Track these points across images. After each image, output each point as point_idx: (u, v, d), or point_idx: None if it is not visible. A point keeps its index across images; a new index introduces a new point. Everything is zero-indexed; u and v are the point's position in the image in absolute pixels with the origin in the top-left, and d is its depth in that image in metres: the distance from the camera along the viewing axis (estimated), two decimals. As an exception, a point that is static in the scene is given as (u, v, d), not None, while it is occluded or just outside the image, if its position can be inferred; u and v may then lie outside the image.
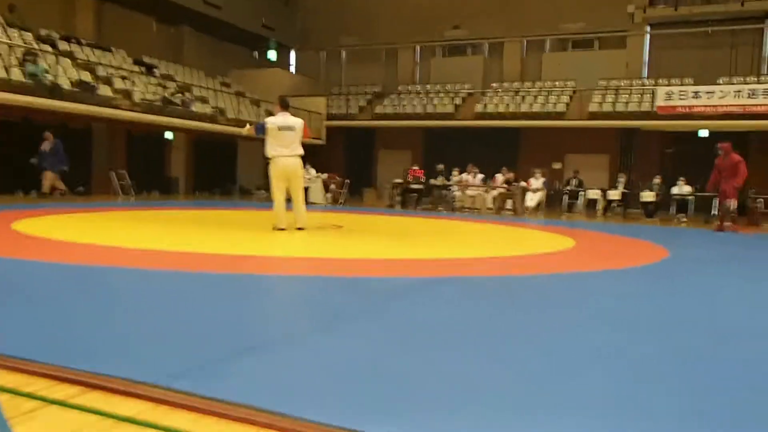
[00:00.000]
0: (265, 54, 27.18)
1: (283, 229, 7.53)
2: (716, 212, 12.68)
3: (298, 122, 7.64)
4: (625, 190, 15.63)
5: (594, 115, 19.81)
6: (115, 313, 3.03)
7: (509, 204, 15.59)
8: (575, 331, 2.96)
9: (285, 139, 7.45)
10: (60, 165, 13.57)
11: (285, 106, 7.70)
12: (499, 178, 15.97)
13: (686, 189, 15.13)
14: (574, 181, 16.57)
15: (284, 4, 26.56)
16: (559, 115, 20.36)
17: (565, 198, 16.29)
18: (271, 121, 7.59)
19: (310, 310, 3.41)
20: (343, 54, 27.10)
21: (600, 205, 15.89)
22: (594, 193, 16.06)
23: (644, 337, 2.86)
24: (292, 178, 7.59)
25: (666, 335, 2.93)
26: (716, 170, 11.15)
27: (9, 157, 14.42)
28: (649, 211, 15.00)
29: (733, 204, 11.13)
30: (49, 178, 13.51)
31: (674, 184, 15.33)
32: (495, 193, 15.62)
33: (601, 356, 2.51)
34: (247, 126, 8.13)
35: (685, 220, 14.54)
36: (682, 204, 14.97)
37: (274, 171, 7.58)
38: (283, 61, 27.20)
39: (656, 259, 6.26)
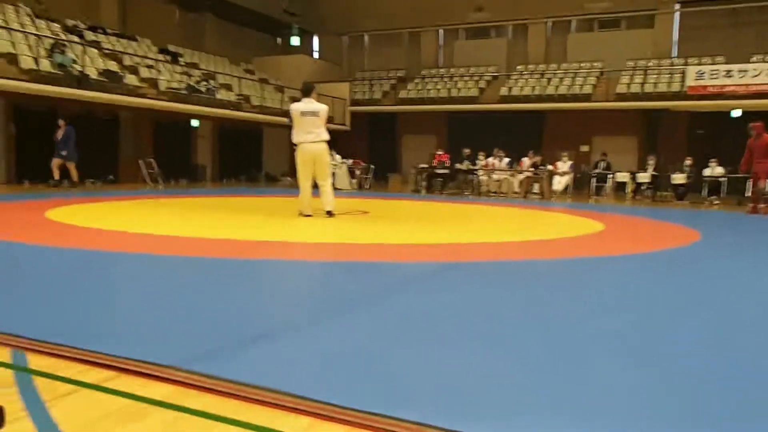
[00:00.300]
0: (288, 40, 27.16)
1: (309, 216, 7.56)
2: (749, 194, 12.39)
3: (321, 108, 7.61)
4: (655, 173, 15.36)
5: (622, 97, 19.45)
6: (145, 299, 3.08)
7: (536, 188, 15.44)
8: (595, 316, 2.93)
9: (308, 124, 7.46)
10: (60, 152, 12.93)
11: (306, 92, 7.67)
12: (526, 161, 15.82)
13: (718, 170, 14.81)
14: (602, 164, 16.33)
15: (306, -11, 26.48)
16: (586, 97, 20.03)
17: (593, 181, 16.07)
18: (294, 107, 7.62)
19: (327, 295, 3.42)
20: (366, 38, 26.98)
21: (629, 188, 15.65)
22: (623, 176, 15.81)
23: (666, 324, 2.82)
24: (318, 164, 7.60)
25: (685, 322, 2.89)
26: (748, 150, 10.94)
27: (38, 146, 14.71)
28: (680, 193, 14.72)
29: (767, 186, 10.88)
30: (56, 165, 13.11)
31: (706, 166, 15.01)
32: (521, 177, 15.49)
33: (615, 341, 2.49)
34: None
35: (717, 202, 14.25)
36: (714, 186, 14.67)
37: (299, 157, 7.60)
38: (306, 47, 27.18)
39: (687, 242, 6.15)
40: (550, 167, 15.55)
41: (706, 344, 2.45)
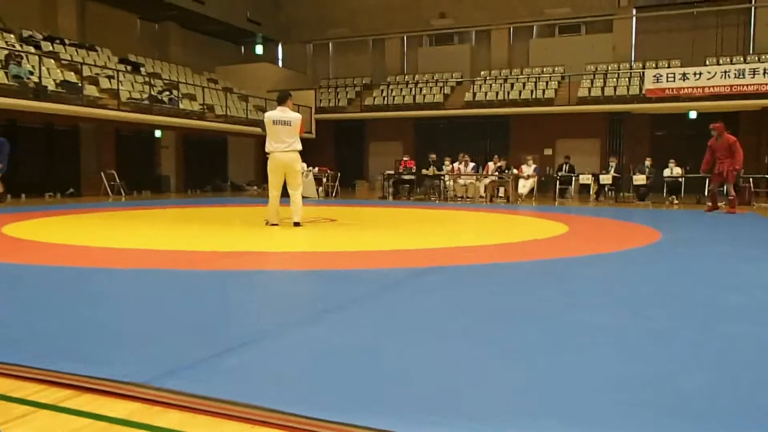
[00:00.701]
0: (252, 49, 27.01)
1: (275, 225, 7.50)
2: (707, 193, 12.71)
3: (295, 117, 7.51)
4: (617, 174, 15.66)
5: (583, 100, 19.84)
6: (104, 314, 2.99)
7: (502, 192, 15.59)
8: (560, 314, 2.95)
9: (281, 133, 7.37)
10: None
11: (281, 101, 7.58)
12: (491, 166, 15.96)
13: (677, 171, 15.18)
14: (565, 167, 16.59)
15: (269, -3, 26.39)
16: (549, 101, 20.36)
17: (558, 184, 16.30)
18: (267, 116, 7.53)
19: (300, 304, 3.38)
20: (330, 46, 26.98)
21: (592, 190, 15.92)
22: (586, 178, 16.08)
23: (647, 317, 2.85)
24: (289, 173, 7.51)
25: (650, 316, 2.93)
26: (710, 151, 11.12)
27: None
28: (642, 194, 15.04)
29: (730, 187, 11.08)
30: None
31: (666, 167, 15.37)
32: (487, 181, 15.62)
33: (582, 337, 2.50)
34: None
35: (677, 202, 14.60)
36: (673, 186, 15.02)
37: (271, 165, 7.51)
38: (270, 56, 27.06)
39: (649, 242, 6.27)
40: (515, 171, 15.73)
41: (683, 335, 2.48)
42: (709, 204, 11.52)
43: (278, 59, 27.60)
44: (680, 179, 15.01)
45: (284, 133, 7.39)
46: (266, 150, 7.49)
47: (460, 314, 3.00)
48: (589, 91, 19.99)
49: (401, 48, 25.71)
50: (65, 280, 3.96)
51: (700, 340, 2.51)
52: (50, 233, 6.73)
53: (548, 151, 21.02)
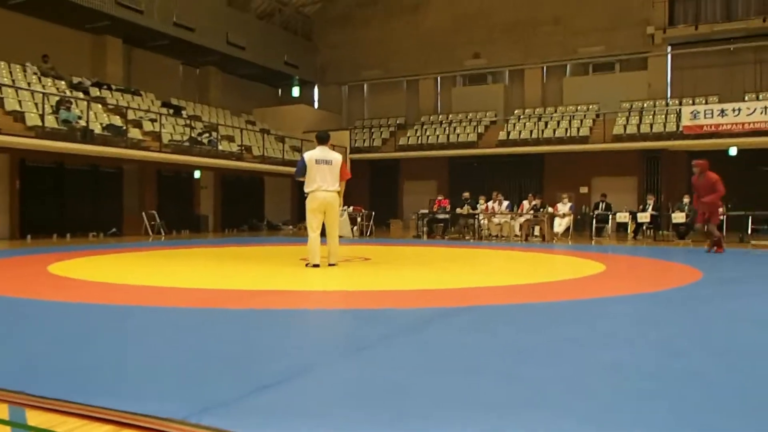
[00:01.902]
0: (289, 90, 27.73)
1: (317, 266, 7.35)
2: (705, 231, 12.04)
3: (336, 157, 7.55)
4: (655, 212, 15.38)
5: (618, 138, 19.68)
6: (143, 351, 3.06)
7: (537, 231, 15.44)
8: (595, 355, 2.90)
9: (322, 172, 7.34)
10: None
11: (321, 141, 7.57)
12: (526, 204, 15.87)
13: (718, 208, 14.83)
14: (602, 205, 16.38)
15: (306, 40, 27.15)
16: (583, 139, 20.25)
17: (594, 222, 16.09)
18: (308, 155, 7.48)
19: (333, 342, 3.40)
20: (365, 87, 27.47)
21: (630, 229, 15.65)
22: (623, 216, 15.83)
23: (668, 361, 2.79)
24: (329, 212, 7.46)
25: (689, 358, 2.86)
26: (695, 189, 10.65)
27: (42, 201, 14.85)
28: (681, 232, 14.71)
29: (712, 227, 10.45)
30: None
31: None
32: (522, 219, 15.51)
33: (611, 375, 2.46)
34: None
35: (718, 240, 14.22)
36: (714, 224, 14.66)
37: (310, 205, 7.40)
38: (306, 97, 27.69)
39: (689, 281, 6.13)
40: (550, 209, 15.59)
41: (725, 380, 2.42)
42: (709, 243, 10.80)
43: (314, 100, 28.21)
44: (721, 217, 14.63)
45: (326, 172, 7.36)
46: (306, 189, 7.41)
47: (491, 353, 2.98)
48: (625, 129, 19.84)
49: (435, 88, 26.01)
50: (107, 317, 4.08)
51: (742, 385, 2.45)
52: (93, 272, 6.92)
53: (584, 189, 20.81)
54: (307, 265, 7.47)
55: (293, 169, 8.73)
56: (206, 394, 2.26)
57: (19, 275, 6.67)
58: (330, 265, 7.45)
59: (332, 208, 7.45)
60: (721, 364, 2.78)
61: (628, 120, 20.38)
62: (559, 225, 15.43)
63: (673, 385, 2.41)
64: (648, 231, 15.44)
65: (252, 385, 2.37)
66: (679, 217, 14.76)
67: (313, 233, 7.41)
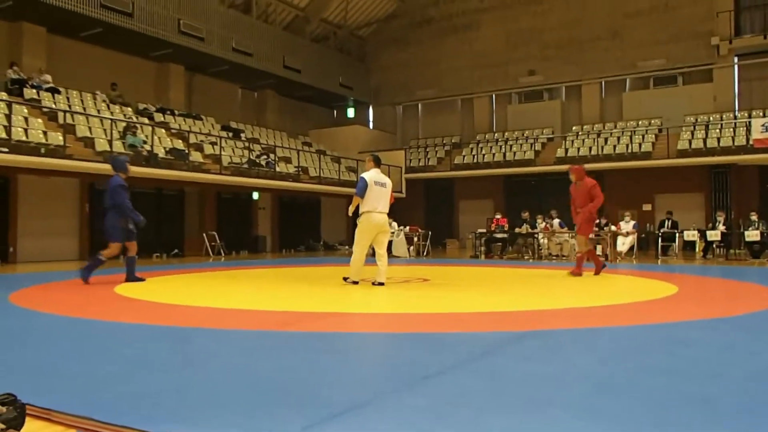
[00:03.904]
0: (344, 112, 28.08)
1: (356, 283, 7.69)
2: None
3: (389, 181, 7.94)
4: (726, 230, 14.66)
5: (684, 153, 18.97)
6: (205, 376, 3.02)
7: (599, 250, 14.95)
8: (680, 386, 2.68)
9: (379, 194, 7.64)
10: None
11: (378, 163, 7.95)
12: (586, 222, 15.38)
13: (795, 225, 14.04)
14: (668, 223, 15.76)
15: (360, 62, 27.47)
16: (646, 155, 19.61)
17: (660, 241, 15.46)
18: (369, 176, 7.73)
19: (398, 369, 3.27)
20: (420, 107, 27.51)
21: (698, 247, 14.97)
22: (691, 235, 15.17)
23: (762, 395, 2.55)
24: (383, 233, 7.77)
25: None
26: (572, 199, 9.42)
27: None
28: (756, 251, 13.96)
29: (578, 241, 9.24)
30: None
31: (781, 221, 14.27)
32: (583, 238, 15.02)
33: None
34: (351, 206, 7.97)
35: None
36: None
37: (366, 225, 7.64)
38: (361, 118, 27.96)
39: (773, 305, 5.73)
40: (613, 228, 15.09)
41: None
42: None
43: (368, 121, 28.44)
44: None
45: (382, 195, 7.67)
46: (363, 210, 7.62)
47: (566, 383, 2.81)
48: (690, 144, 19.10)
49: (490, 106, 25.81)
50: (169, 339, 4.09)
51: None
52: (157, 293, 7.05)
53: (647, 207, 20.12)
54: (347, 280, 7.84)
55: (350, 190, 8.83)
56: (273, 422, 2.18)
57: (87, 296, 6.84)
58: (379, 284, 7.56)
59: (386, 228, 7.79)
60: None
61: (693, 134, 19.63)
62: (623, 244, 14.91)
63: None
64: (719, 249, 14.72)
65: (318, 415, 2.28)
66: (752, 235, 14.03)
67: (362, 254, 7.74)
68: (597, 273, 9.32)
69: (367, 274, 7.99)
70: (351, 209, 7.90)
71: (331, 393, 2.66)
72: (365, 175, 7.78)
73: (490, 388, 2.75)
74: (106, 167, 14.03)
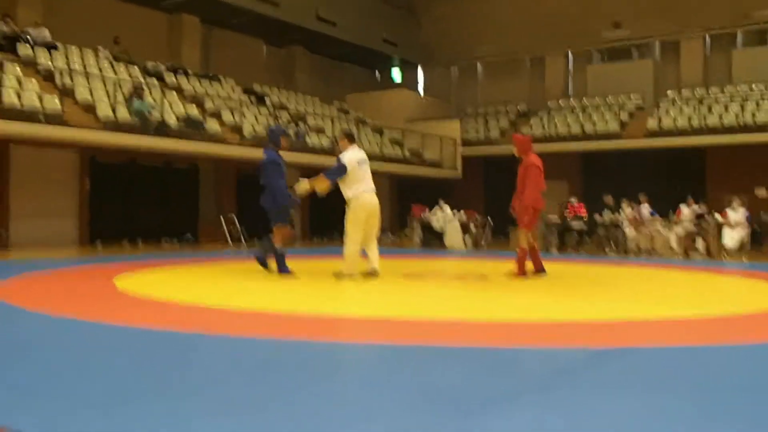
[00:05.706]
0: (388, 73, 27.89)
1: (353, 278, 7.84)
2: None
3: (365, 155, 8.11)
4: None
5: (811, 125, 18.19)
6: (243, 391, 2.96)
7: (700, 244, 14.48)
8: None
9: (364, 173, 7.84)
10: None
11: (353, 140, 8.15)
12: (684, 210, 14.94)
13: None
14: (787, 212, 15.13)
15: (409, 13, 27.16)
16: (762, 128, 18.88)
17: (777, 234, 14.88)
18: (348, 157, 7.82)
19: (455, 395, 3.12)
20: (479, 68, 27.16)
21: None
22: (818, 227, 14.53)
23: None
24: (376, 218, 8.01)
25: None
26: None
27: (112, 203, 15.64)
28: None
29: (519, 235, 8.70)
30: None
31: None
32: (680, 230, 14.61)
33: None
34: (304, 182, 8.39)
35: None
36: None
37: (360, 211, 7.83)
38: (408, 81, 27.75)
39: None
40: (717, 217, 14.58)
41: None
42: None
43: (418, 85, 28.22)
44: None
45: (368, 173, 7.88)
46: (350, 194, 7.80)
47: (668, 422, 2.62)
48: (819, 113, 18.31)
49: (565, 67, 25.31)
50: (168, 347, 4.06)
51: None
52: (163, 288, 7.10)
53: (762, 192, 19.43)
54: (338, 276, 7.90)
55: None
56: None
57: (85, 291, 6.93)
58: (373, 270, 7.90)
59: (378, 212, 8.02)
60: None
61: (822, 102, 18.82)
62: (731, 238, 14.37)
63: None
64: None
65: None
66: None
67: (357, 244, 7.91)
68: (536, 272, 8.82)
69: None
70: (320, 189, 8.11)
71: (362, 427, 2.55)
72: (344, 156, 7.87)
73: (567, 422, 2.58)
74: (107, 137, 14.27)
